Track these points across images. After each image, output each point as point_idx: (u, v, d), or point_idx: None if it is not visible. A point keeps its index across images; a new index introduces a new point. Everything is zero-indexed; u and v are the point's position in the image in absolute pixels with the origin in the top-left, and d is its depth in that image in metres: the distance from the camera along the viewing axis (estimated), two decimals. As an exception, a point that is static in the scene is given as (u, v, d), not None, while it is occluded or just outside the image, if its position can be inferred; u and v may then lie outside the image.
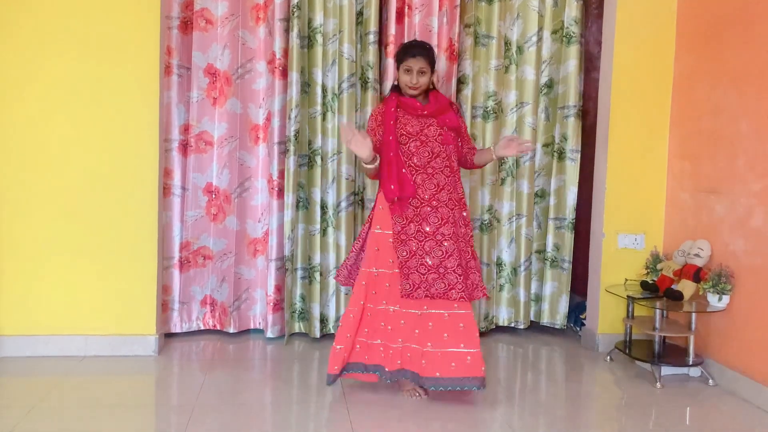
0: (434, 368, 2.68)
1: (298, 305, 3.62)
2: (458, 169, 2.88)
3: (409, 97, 2.82)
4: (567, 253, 3.76)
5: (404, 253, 2.71)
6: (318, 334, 3.59)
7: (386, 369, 2.76)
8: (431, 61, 2.82)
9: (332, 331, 3.62)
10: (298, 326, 3.63)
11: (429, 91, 2.86)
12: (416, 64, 2.77)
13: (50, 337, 3.21)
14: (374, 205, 2.87)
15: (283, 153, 3.52)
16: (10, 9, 3.12)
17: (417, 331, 2.73)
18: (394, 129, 2.76)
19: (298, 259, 3.58)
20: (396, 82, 2.90)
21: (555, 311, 3.82)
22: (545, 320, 3.84)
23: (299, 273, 3.60)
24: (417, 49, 2.81)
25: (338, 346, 2.78)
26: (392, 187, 2.70)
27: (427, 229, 2.72)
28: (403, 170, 2.74)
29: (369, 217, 2.89)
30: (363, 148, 2.64)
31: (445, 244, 2.71)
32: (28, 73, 3.15)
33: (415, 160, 2.76)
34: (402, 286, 2.70)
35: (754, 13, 2.96)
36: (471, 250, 2.83)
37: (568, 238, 3.75)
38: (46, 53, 3.15)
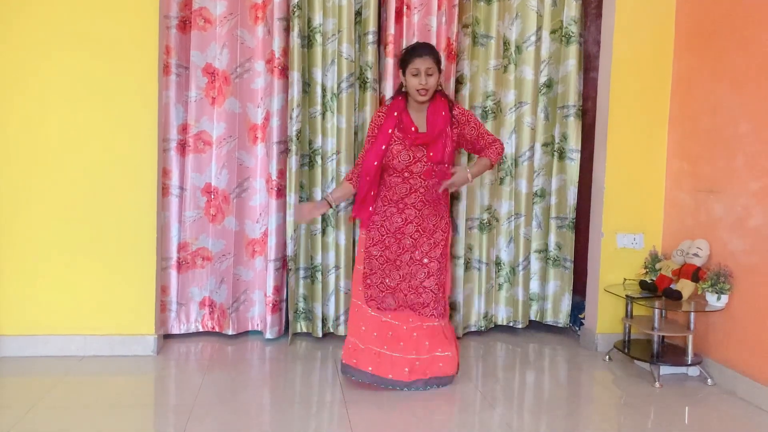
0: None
1: (301, 305, 3.62)
2: (435, 199, 2.90)
3: (419, 102, 2.82)
4: (569, 251, 3.77)
5: (368, 269, 2.92)
6: (320, 334, 3.59)
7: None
8: (437, 61, 2.81)
9: (332, 330, 3.62)
10: (299, 326, 3.63)
11: (435, 92, 2.84)
12: (423, 63, 2.74)
13: (49, 337, 3.21)
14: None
15: (283, 153, 3.51)
16: (7, 7, 3.11)
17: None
18: (383, 155, 2.83)
19: (300, 259, 3.59)
20: (403, 87, 2.87)
21: (558, 310, 3.83)
22: (548, 319, 3.86)
23: (301, 273, 3.60)
24: (423, 49, 2.79)
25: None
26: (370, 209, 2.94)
27: (388, 254, 2.90)
28: (372, 193, 2.90)
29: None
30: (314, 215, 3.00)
31: (402, 269, 2.89)
32: (26, 72, 3.15)
33: (390, 194, 2.88)
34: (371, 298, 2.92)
35: (753, 13, 2.96)
36: (431, 271, 2.90)
37: (570, 237, 3.76)
38: (43, 53, 3.15)
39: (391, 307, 2.90)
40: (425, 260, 2.89)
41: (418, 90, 2.77)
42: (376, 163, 2.81)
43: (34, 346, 3.19)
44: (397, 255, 2.90)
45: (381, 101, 3.56)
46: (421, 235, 2.90)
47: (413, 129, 2.82)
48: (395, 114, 2.84)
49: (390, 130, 2.82)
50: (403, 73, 2.82)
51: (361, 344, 2.90)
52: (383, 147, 2.81)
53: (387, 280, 2.90)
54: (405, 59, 2.81)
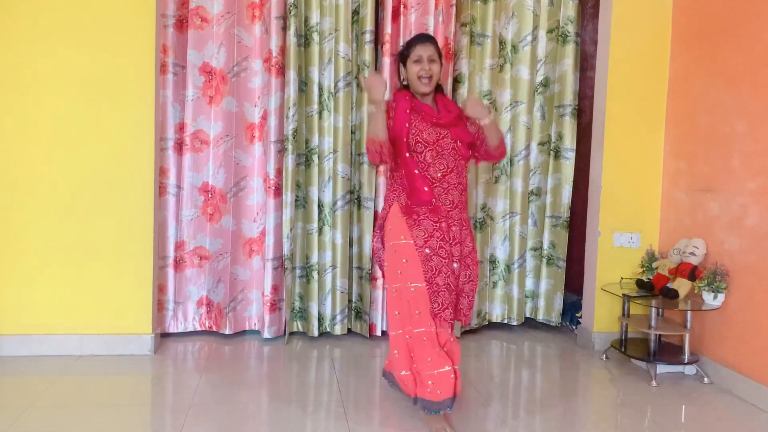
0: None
1: (297, 304, 3.62)
2: (465, 190, 2.60)
3: (421, 93, 2.56)
4: (563, 250, 3.77)
5: (429, 269, 2.45)
6: (316, 333, 3.59)
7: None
8: (439, 50, 2.60)
9: (328, 330, 3.62)
10: (295, 325, 3.63)
11: (436, 92, 2.62)
12: (425, 50, 2.53)
13: (46, 336, 3.20)
14: (389, 215, 2.57)
15: (280, 152, 3.51)
16: (3, 5, 3.10)
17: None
18: (408, 131, 2.49)
19: (297, 258, 3.59)
20: (405, 82, 2.62)
21: (551, 308, 3.84)
22: (541, 317, 3.86)
23: (297, 272, 3.60)
24: (424, 37, 2.61)
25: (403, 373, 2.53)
26: (426, 189, 2.46)
27: (445, 247, 2.49)
28: (416, 171, 2.47)
29: (381, 223, 2.62)
30: (380, 86, 2.41)
31: (455, 265, 2.52)
32: (23, 71, 3.14)
33: (431, 172, 2.48)
34: (431, 306, 2.45)
35: (749, 12, 2.97)
36: (472, 275, 2.59)
37: (564, 236, 3.76)
38: (40, 52, 3.14)
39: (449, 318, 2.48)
40: (469, 262, 2.57)
41: (420, 77, 2.51)
42: (406, 139, 2.48)
43: (31, 346, 3.19)
44: (451, 246, 2.51)
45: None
46: (464, 227, 2.58)
47: (433, 111, 2.55)
48: (407, 98, 2.56)
49: (407, 110, 2.52)
50: (404, 65, 2.59)
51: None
52: (406, 124, 2.49)
53: (452, 279, 2.49)
54: (405, 49, 2.60)
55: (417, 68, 2.52)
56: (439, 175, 2.50)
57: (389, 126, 2.49)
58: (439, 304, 2.44)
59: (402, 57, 2.62)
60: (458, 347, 2.56)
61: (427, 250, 2.46)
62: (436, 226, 2.48)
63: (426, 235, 2.47)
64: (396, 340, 2.52)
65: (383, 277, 2.61)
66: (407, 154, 2.48)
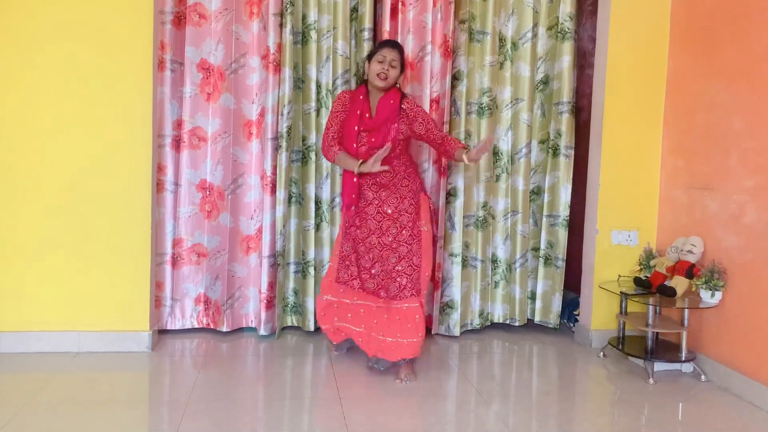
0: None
1: (291, 299, 3.62)
2: (391, 182, 3.05)
3: (376, 87, 3.00)
4: (561, 250, 3.76)
5: (346, 249, 3.10)
6: (312, 328, 3.59)
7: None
8: (402, 59, 3.02)
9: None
10: (290, 320, 3.64)
11: (391, 88, 3.03)
12: (390, 54, 2.95)
13: (43, 333, 3.20)
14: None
15: (277, 149, 3.50)
16: (0, 1, 3.09)
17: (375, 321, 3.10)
18: (357, 136, 3.00)
19: (291, 254, 3.59)
20: (365, 77, 3.07)
21: (548, 309, 3.82)
22: (538, 318, 3.84)
23: (292, 267, 3.60)
24: (393, 43, 3.03)
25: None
26: (353, 196, 3.03)
27: (358, 234, 3.05)
28: (354, 179, 3.00)
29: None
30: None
31: (372, 252, 3.04)
32: (19, 67, 3.13)
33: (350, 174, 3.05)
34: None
35: (748, 10, 2.97)
36: (401, 255, 3.00)
37: (562, 235, 3.75)
38: (37, 49, 3.13)
39: (357, 288, 3.07)
40: (394, 244, 3.00)
41: (378, 74, 2.94)
42: (354, 145, 3.02)
43: (28, 343, 3.18)
44: (365, 236, 3.03)
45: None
46: (384, 219, 3.02)
47: (367, 115, 3.01)
48: (360, 98, 3.04)
49: (358, 112, 3.01)
50: (369, 62, 3.01)
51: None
52: (355, 128, 3.00)
53: (361, 261, 3.03)
54: (374, 49, 3.04)
55: (378, 67, 2.95)
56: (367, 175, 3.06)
57: (339, 117, 3.07)
58: (348, 275, 3.14)
59: (369, 55, 3.04)
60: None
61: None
62: (353, 220, 3.12)
63: (348, 222, 3.11)
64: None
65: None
66: (354, 145, 3.04)
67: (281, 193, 3.45)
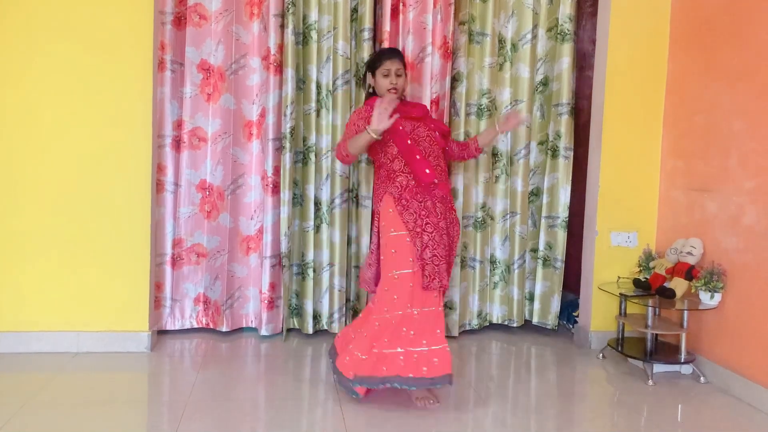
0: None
1: (293, 301, 3.62)
2: (445, 173, 2.88)
3: None
4: (560, 252, 3.75)
5: (419, 245, 2.66)
6: (311, 330, 3.59)
7: (411, 376, 2.61)
8: (405, 65, 2.92)
9: (325, 327, 3.62)
10: (291, 322, 3.64)
11: (401, 99, 2.92)
12: (393, 65, 2.84)
13: (42, 333, 3.20)
14: (380, 209, 2.76)
15: (278, 150, 3.51)
16: (0, 1, 3.10)
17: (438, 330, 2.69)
18: (401, 120, 2.76)
19: (293, 256, 3.58)
20: (371, 90, 2.94)
21: (547, 311, 3.82)
22: (536, 319, 3.84)
23: (293, 269, 3.60)
24: (392, 52, 2.93)
25: (363, 356, 2.65)
26: (427, 171, 2.71)
27: (434, 221, 2.71)
28: (417, 157, 2.73)
29: (376, 224, 2.80)
30: (387, 116, 2.63)
31: (445, 237, 2.74)
32: (19, 67, 3.13)
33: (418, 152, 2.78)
34: (422, 279, 2.64)
35: (747, 12, 2.97)
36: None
37: (561, 236, 3.75)
38: (37, 49, 3.13)
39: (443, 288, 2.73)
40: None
41: (389, 90, 2.84)
42: (401, 127, 2.77)
43: (27, 343, 3.18)
44: (437, 221, 2.73)
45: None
46: (448, 208, 2.84)
47: (408, 107, 2.89)
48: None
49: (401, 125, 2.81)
50: (373, 75, 2.90)
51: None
52: (401, 128, 2.76)
53: (439, 250, 2.69)
54: (374, 62, 2.90)
55: (385, 82, 2.84)
56: (422, 153, 2.78)
57: (360, 127, 2.76)
58: (427, 276, 2.65)
59: (370, 67, 2.93)
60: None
61: (418, 230, 2.69)
62: (422, 205, 2.72)
63: (416, 217, 2.69)
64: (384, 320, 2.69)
65: (380, 264, 2.78)
66: (408, 141, 2.76)
67: (286, 194, 3.45)
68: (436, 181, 2.72)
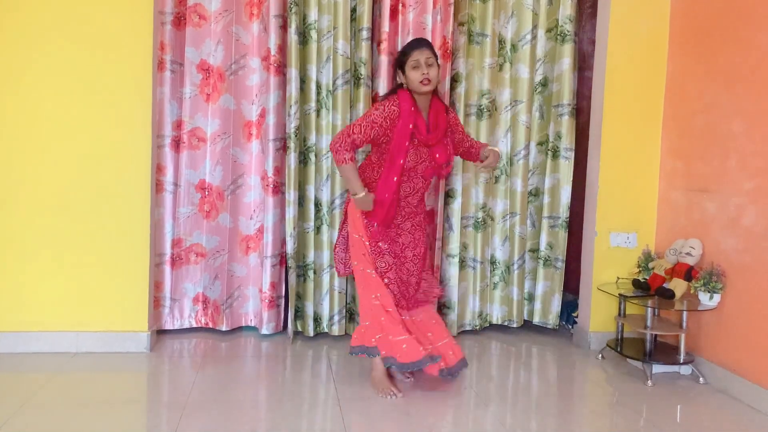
0: None
1: (296, 303, 3.62)
2: (424, 196, 3.01)
3: (421, 93, 2.78)
4: (560, 252, 3.76)
5: (383, 264, 2.87)
6: (312, 333, 3.58)
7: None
8: (435, 52, 2.82)
9: (326, 330, 3.62)
10: (294, 324, 3.62)
11: (433, 93, 2.85)
12: (422, 54, 2.75)
13: (42, 333, 3.19)
14: (348, 209, 2.95)
15: (279, 150, 3.51)
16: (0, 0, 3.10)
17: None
18: (407, 153, 2.77)
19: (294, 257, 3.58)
20: (403, 84, 2.82)
21: (547, 311, 3.82)
22: (537, 319, 3.84)
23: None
24: (419, 42, 2.83)
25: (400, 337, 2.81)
26: (387, 212, 2.84)
27: (395, 248, 2.92)
28: (391, 195, 2.81)
29: (345, 213, 2.99)
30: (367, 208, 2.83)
31: (406, 264, 2.94)
32: (18, 67, 3.13)
33: (400, 192, 2.87)
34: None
35: (747, 12, 2.97)
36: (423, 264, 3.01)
37: (562, 236, 3.75)
38: (37, 49, 3.13)
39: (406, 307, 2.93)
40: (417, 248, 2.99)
41: (421, 81, 2.73)
42: (402, 161, 2.77)
43: (26, 343, 3.18)
44: (401, 250, 2.93)
45: (374, 98, 3.56)
46: (417, 230, 2.98)
47: (425, 131, 2.80)
48: (412, 109, 2.76)
49: (410, 125, 2.75)
50: (403, 71, 2.80)
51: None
52: (405, 143, 2.74)
53: (402, 276, 2.91)
54: (403, 56, 2.82)
55: (416, 74, 2.75)
56: (402, 194, 2.87)
57: (387, 134, 2.77)
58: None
59: (399, 63, 2.84)
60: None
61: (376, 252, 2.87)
62: (386, 232, 2.89)
63: (377, 238, 2.87)
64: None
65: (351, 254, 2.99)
66: (395, 179, 2.79)
67: (291, 195, 3.44)
68: (375, 225, 2.85)
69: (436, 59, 2.81)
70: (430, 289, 3.07)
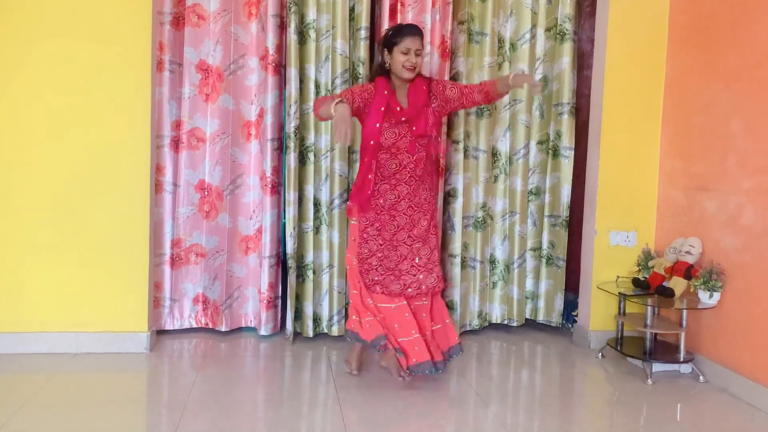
0: None
1: (295, 303, 3.61)
2: (425, 173, 2.96)
3: (403, 79, 2.87)
4: (562, 250, 3.76)
5: (366, 251, 2.89)
6: (311, 334, 3.58)
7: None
8: (423, 43, 2.93)
9: (325, 331, 3.62)
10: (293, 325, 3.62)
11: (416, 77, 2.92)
12: (414, 44, 2.84)
13: (41, 334, 3.19)
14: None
15: (277, 150, 3.50)
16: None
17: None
18: (380, 133, 2.82)
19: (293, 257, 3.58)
20: (386, 65, 2.91)
21: (551, 309, 3.82)
22: (541, 318, 3.85)
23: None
24: (414, 30, 2.90)
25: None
26: (368, 192, 2.88)
27: (384, 235, 2.90)
28: (369, 176, 2.86)
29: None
30: (345, 129, 2.65)
31: (399, 248, 2.90)
32: (16, 67, 3.12)
33: (381, 171, 2.88)
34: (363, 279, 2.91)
35: (746, 11, 2.97)
36: (432, 245, 2.98)
37: (563, 235, 3.75)
38: (36, 50, 3.13)
39: (396, 293, 2.88)
40: (427, 235, 2.96)
41: (405, 66, 2.83)
42: (372, 142, 2.83)
43: (26, 344, 3.18)
44: (392, 234, 2.91)
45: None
46: (416, 211, 2.94)
47: (398, 109, 2.87)
48: (385, 93, 2.86)
49: (382, 108, 2.84)
50: (390, 52, 2.88)
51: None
52: (377, 125, 2.82)
53: (385, 261, 2.89)
54: (394, 38, 2.87)
55: (404, 59, 2.83)
56: (388, 172, 2.88)
57: (361, 108, 2.84)
58: (370, 279, 2.88)
59: (387, 43, 2.90)
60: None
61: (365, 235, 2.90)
62: (378, 217, 2.90)
63: (367, 222, 2.90)
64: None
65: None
66: (367, 159, 2.85)
67: (291, 195, 3.44)
68: (356, 207, 2.90)
69: (423, 48, 2.92)
70: (426, 281, 2.95)
